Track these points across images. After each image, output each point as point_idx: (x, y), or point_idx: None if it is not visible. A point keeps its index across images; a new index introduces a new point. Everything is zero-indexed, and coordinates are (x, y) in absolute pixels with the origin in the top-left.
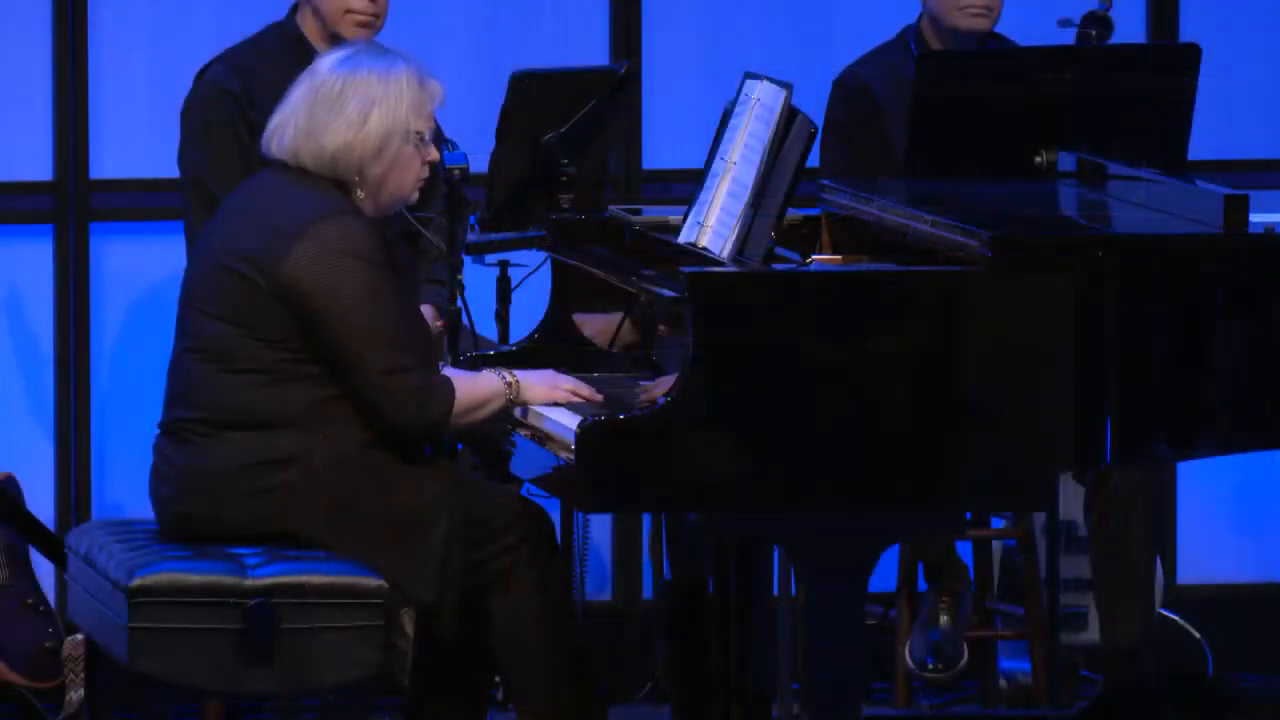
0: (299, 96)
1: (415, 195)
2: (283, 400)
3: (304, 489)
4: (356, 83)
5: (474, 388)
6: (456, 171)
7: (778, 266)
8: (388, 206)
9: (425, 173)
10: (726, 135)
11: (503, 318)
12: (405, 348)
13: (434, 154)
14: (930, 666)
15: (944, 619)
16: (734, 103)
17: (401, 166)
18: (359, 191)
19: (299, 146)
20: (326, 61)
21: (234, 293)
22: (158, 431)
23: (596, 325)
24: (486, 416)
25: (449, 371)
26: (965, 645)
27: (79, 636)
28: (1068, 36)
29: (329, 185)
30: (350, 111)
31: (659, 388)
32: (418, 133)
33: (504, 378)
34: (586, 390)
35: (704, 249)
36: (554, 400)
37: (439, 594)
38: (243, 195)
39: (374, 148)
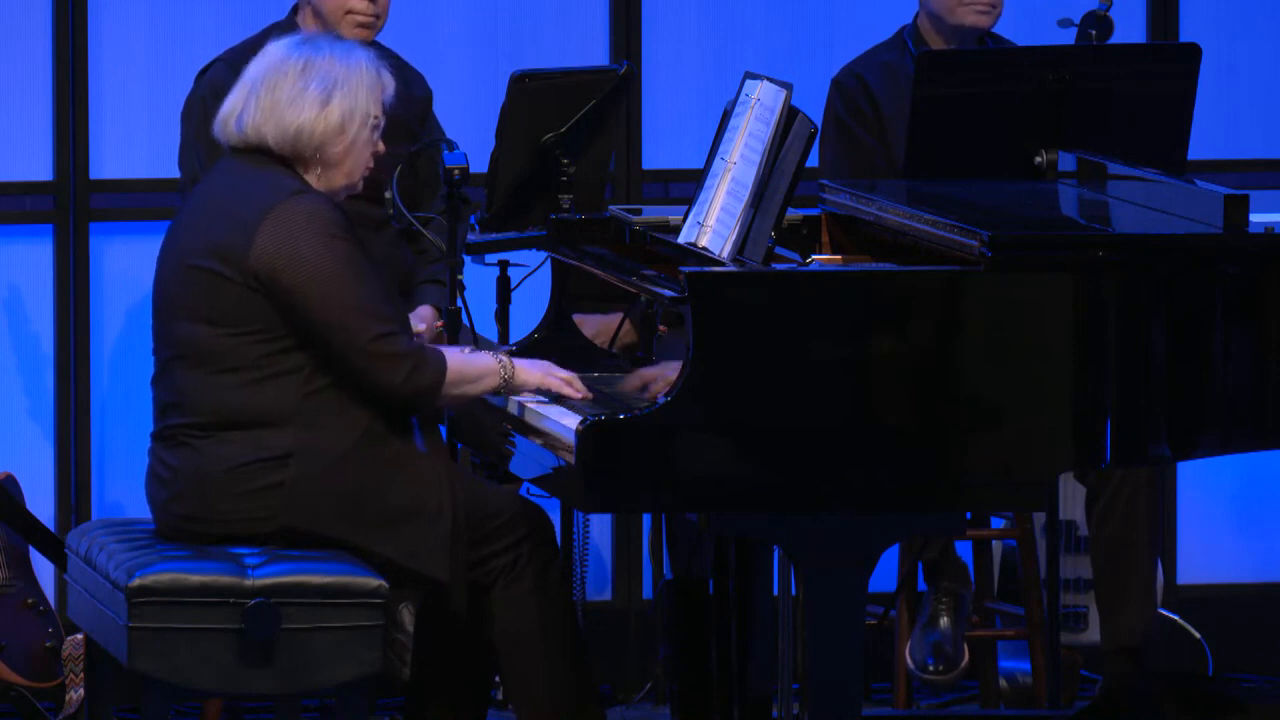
0: (256, 77)
1: (361, 184)
2: (273, 397)
3: (306, 484)
4: (319, 63)
5: (467, 361)
6: (456, 171)
7: (778, 266)
8: (337, 192)
9: (372, 162)
10: (726, 135)
11: (503, 318)
12: (386, 315)
13: (381, 146)
14: (931, 668)
15: (944, 620)
16: (734, 103)
17: (358, 150)
18: (315, 170)
19: (261, 124)
20: (281, 45)
21: (208, 291)
22: (151, 435)
23: (596, 325)
24: (478, 393)
25: (445, 349)
26: (965, 646)
27: (79, 636)
28: (1068, 36)
29: (284, 167)
30: (313, 90)
31: (659, 382)
32: (375, 118)
33: (499, 358)
34: (579, 386)
35: (704, 249)
36: (547, 387)
37: (451, 572)
38: (200, 192)
39: (336, 126)
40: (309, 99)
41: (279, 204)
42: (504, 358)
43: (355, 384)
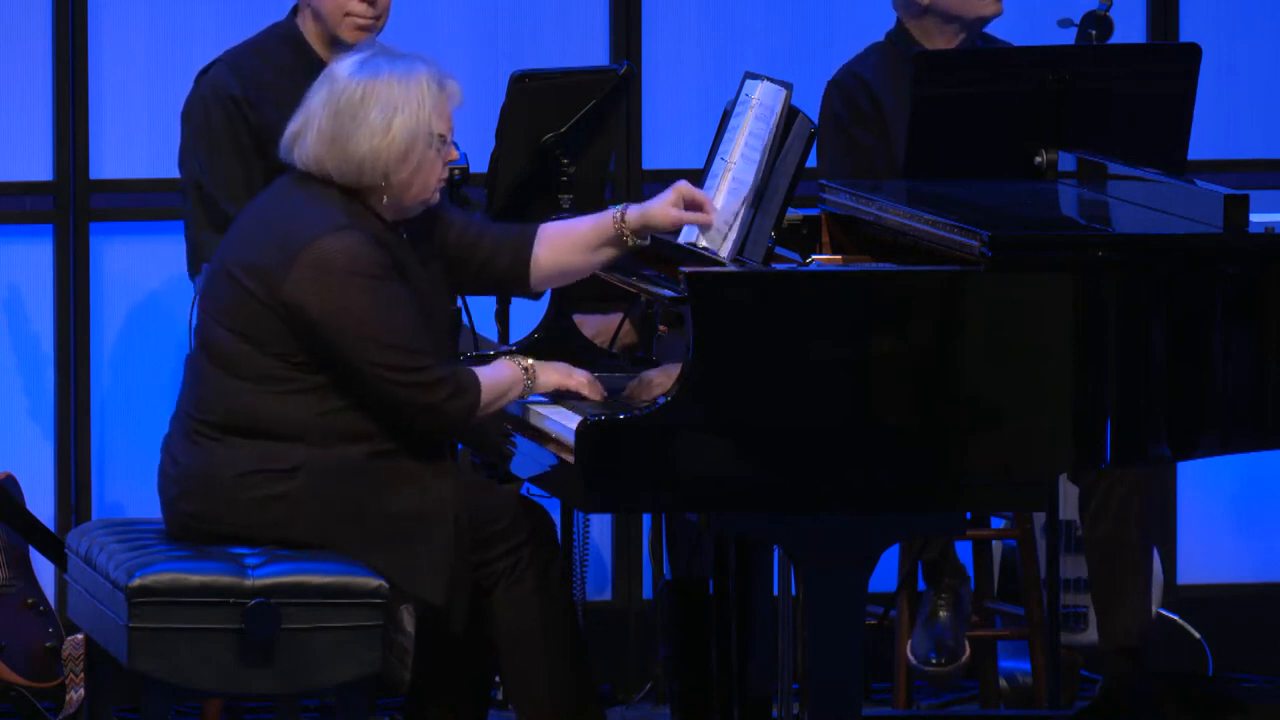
0: (319, 103)
1: (437, 196)
2: (287, 410)
3: (308, 497)
4: (378, 88)
5: (496, 377)
6: (456, 171)
7: (778, 266)
8: (410, 209)
9: (446, 173)
10: (726, 135)
11: (503, 318)
12: (420, 349)
13: (454, 154)
14: (933, 661)
15: (944, 614)
16: (734, 103)
17: (426, 170)
18: (384, 197)
19: (322, 155)
20: (344, 66)
21: (237, 303)
22: (171, 418)
23: (596, 325)
24: (507, 403)
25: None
26: (966, 640)
27: (79, 636)
28: (1068, 36)
29: (343, 196)
30: (374, 118)
31: (657, 385)
32: (439, 135)
33: (520, 364)
34: (598, 389)
35: (704, 249)
36: (567, 386)
37: (447, 597)
38: (260, 202)
39: (399, 153)
40: (370, 128)
41: (320, 240)
42: (524, 361)
43: (378, 405)
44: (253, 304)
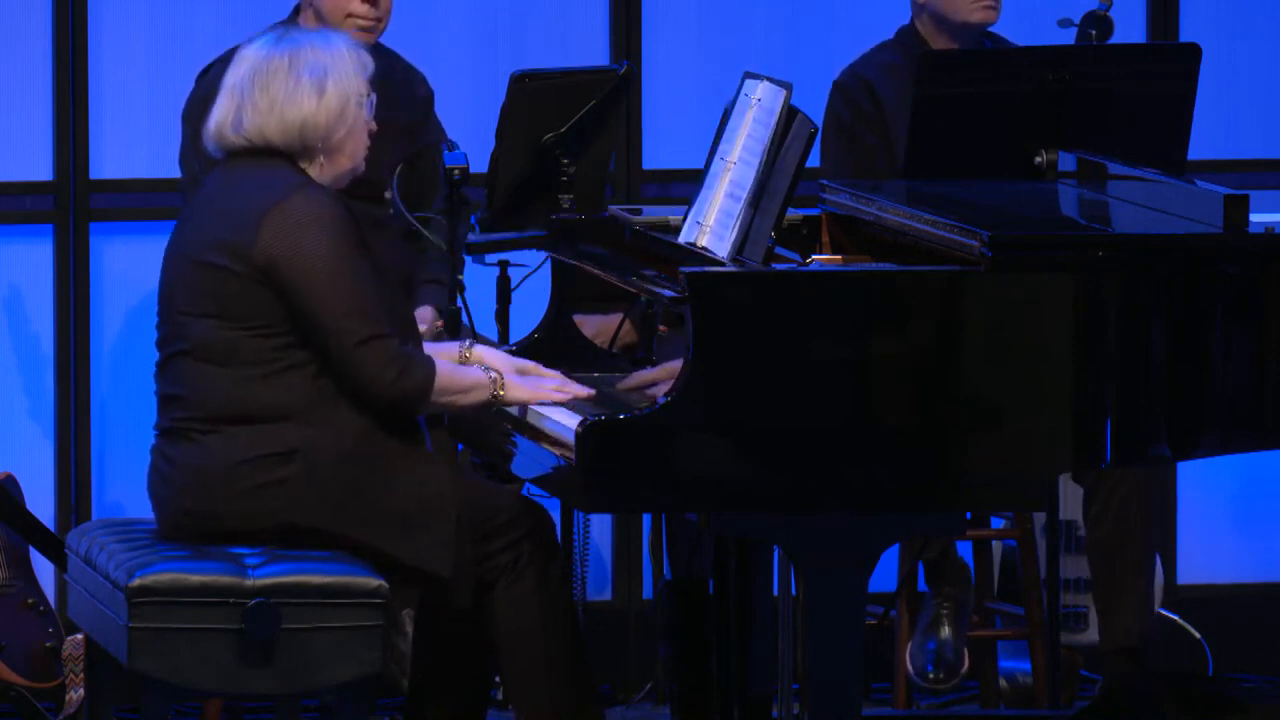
0: (243, 81)
1: (364, 165)
2: (280, 392)
3: (309, 481)
4: (303, 56)
5: (456, 373)
6: (456, 171)
7: (778, 266)
8: (342, 176)
9: (367, 140)
10: (726, 135)
11: (503, 318)
12: (379, 317)
13: (374, 124)
14: (931, 675)
15: (944, 629)
16: (734, 103)
17: (358, 131)
18: (320, 159)
19: (263, 124)
20: (257, 46)
21: (214, 286)
22: (155, 434)
23: (596, 325)
24: (468, 405)
25: (442, 350)
26: (966, 653)
27: (79, 636)
28: (1068, 36)
29: (285, 164)
30: (306, 82)
31: (657, 383)
32: (363, 95)
33: (490, 375)
34: (574, 388)
35: (704, 249)
36: (540, 399)
37: (454, 568)
38: (203, 195)
39: (336, 113)
40: (305, 91)
41: (282, 199)
42: (495, 373)
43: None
44: (229, 280)
